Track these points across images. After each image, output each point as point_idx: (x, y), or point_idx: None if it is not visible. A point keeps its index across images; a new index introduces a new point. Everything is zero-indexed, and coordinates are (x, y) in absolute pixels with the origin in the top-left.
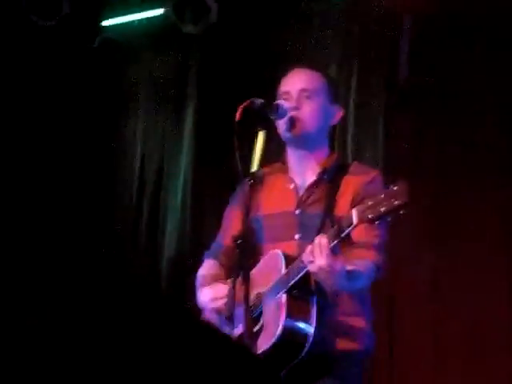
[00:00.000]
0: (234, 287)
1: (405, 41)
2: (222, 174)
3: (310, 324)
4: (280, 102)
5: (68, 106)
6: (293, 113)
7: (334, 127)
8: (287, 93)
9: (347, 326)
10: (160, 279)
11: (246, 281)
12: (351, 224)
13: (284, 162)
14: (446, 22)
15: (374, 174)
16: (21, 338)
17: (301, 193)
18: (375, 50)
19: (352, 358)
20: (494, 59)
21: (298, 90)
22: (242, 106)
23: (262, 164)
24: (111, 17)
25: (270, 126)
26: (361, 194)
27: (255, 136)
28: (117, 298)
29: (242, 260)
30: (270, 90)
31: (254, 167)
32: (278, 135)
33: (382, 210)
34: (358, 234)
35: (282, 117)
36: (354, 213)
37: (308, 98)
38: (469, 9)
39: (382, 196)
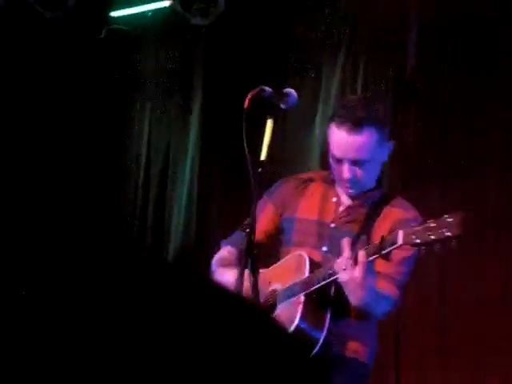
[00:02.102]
0: (241, 275)
1: (413, 36)
2: (228, 163)
3: (321, 331)
4: (289, 90)
5: (75, 96)
6: (349, 185)
7: None
8: (339, 161)
9: (355, 338)
10: None
11: (254, 270)
12: (395, 243)
13: (332, 175)
14: (454, 15)
15: (414, 212)
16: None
17: (340, 209)
18: (383, 43)
19: (353, 367)
20: (505, 52)
21: (350, 160)
22: (250, 94)
23: (270, 152)
24: (118, 8)
25: (278, 113)
26: (399, 228)
27: (264, 124)
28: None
29: (249, 248)
30: (277, 79)
31: (263, 155)
32: (284, 123)
33: (432, 237)
34: (385, 266)
35: (291, 105)
36: (400, 234)
37: (361, 166)
38: (477, 2)
39: (433, 224)
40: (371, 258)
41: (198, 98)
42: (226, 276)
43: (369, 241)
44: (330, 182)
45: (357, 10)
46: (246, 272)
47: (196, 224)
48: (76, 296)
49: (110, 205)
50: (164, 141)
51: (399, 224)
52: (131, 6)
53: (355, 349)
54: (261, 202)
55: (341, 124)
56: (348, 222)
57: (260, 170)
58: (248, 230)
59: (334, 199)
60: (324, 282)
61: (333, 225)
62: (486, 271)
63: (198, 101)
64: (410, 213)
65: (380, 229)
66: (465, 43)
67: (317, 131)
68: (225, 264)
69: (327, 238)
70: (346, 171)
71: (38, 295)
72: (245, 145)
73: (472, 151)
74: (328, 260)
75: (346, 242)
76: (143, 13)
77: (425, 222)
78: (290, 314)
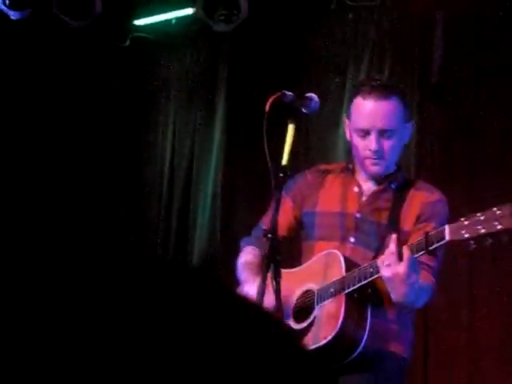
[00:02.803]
0: (264, 281)
1: (438, 36)
2: (252, 166)
3: (364, 330)
4: (311, 94)
5: (100, 104)
6: (375, 158)
7: None
8: (366, 131)
9: (394, 333)
10: None
11: (278, 276)
12: (442, 239)
13: (351, 164)
14: (480, 16)
15: (439, 194)
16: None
17: (364, 198)
18: (408, 46)
19: (394, 360)
20: None
21: (378, 130)
22: (271, 98)
23: (291, 157)
24: (142, 16)
25: (300, 118)
26: (426, 213)
27: (285, 129)
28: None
29: (272, 254)
30: (301, 83)
31: (284, 160)
32: (309, 127)
33: (482, 231)
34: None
35: (313, 110)
36: (448, 229)
37: (388, 137)
38: (503, 3)
39: (482, 217)
40: (417, 255)
41: (222, 102)
42: (256, 283)
43: (398, 229)
44: (349, 172)
45: (381, 12)
46: (270, 277)
47: (221, 227)
48: (93, 302)
49: (135, 208)
50: (188, 146)
51: (426, 207)
52: (155, 14)
53: (395, 344)
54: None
55: (368, 94)
56: (373, 211)
57: (281, 174)
58: (270, 236)
59: (356, 189)
60: (366, 281)
61: (358, 215)
62: None
63: (222, 106)
64: (436, 195)
65: (408, 215)
66: (490, 42)
67: (342, 134)
68: (252, 268)
69: (353, 229)
70: (373, 142)
71: (57, 299)
72: (266, 149)
73: (497, 149)
74: (358, 252)
75: (393, 238)
76: (167, 20)
77: (472, 215)
78: (332, 315)
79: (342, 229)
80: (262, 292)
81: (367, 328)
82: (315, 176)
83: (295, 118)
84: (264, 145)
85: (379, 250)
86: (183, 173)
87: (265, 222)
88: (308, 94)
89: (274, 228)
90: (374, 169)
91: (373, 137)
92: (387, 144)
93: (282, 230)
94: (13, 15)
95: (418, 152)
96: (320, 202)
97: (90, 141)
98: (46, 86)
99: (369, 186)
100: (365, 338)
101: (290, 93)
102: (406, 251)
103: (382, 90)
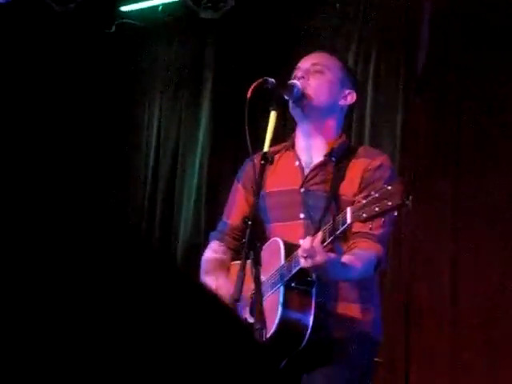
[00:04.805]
0: (243, 269)
1: (425, 27)
2: (238, 157)
3: (309, 314)
4: (294, 81)
5: (84, 91)
6: (301, 82)
7: (350, 113)
8: (299, 68)
9: (349, 314)
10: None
11: (257, 263)
12: (345, 223)
13: (292, 141)
14: (466, 8)
15: (382, 158)
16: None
17: (306, 171)
18: (394, 36)
19: (355, 344)
20: None
21: (309, 64)
22: (253, 85)
23: (273, 144)
24: (128, 2)
25: (283, 105)
26: (367, 179)
27: (267, 115)
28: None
29: (251, 241)
30: (287, 71)
31: (266, 147)
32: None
33: (376, 210)
34: (360, 224)
35: (296, 97)
36: (349, 212)
37: (317, 71)
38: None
39: (377, 195)
40: (327, 242)
41: (208, 89)
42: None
43: (339, 199)
44: (290, 149)
45: (368, 4)
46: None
47: (205, 217)
48: (77, 291)
49: (118, 198)
50: (174, 134)
51: (367, 174)
52: (141, 1)
53: (351, 325)
54: (232, 188)
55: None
56: (317, 184)
57: (262, 161)
58: (250, 223)
59: (297, 163)
60: (294, 271)
61: (302, 189)
62: (499, 263)
63: (208, 93)
64: (377, 160)
65: (350, 184)
66: (477, 35)
67: None
68: (208, 268)
69: (301, 204)
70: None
71: (40, 292)
72: (247, 136)
73: (484, 145)
74: (310, 228)
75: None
76: (153, 7)
77: (368, 194)
78: (273, 308)
79: (291, 206)
80: (240, 280)
81: (312, 314)
82: (268, 160)
83: (277, 105)
84: (245, 131)
85: (321, 223)
86: (168, 161)
87: (227, 215)
88: (290, 81)
89: (252, 214)
90: (300, 101)
91: (303, 69)
92: (315, 77)
93: (238, 219)
94: None
95: (404, 143)
96: (267, 183)
97: (74, 127)
98: (30, 70)
99: (309, 158)
100: (311, 325)
101: (272, 79)
102: (316, 242)
103: (324, 50)
